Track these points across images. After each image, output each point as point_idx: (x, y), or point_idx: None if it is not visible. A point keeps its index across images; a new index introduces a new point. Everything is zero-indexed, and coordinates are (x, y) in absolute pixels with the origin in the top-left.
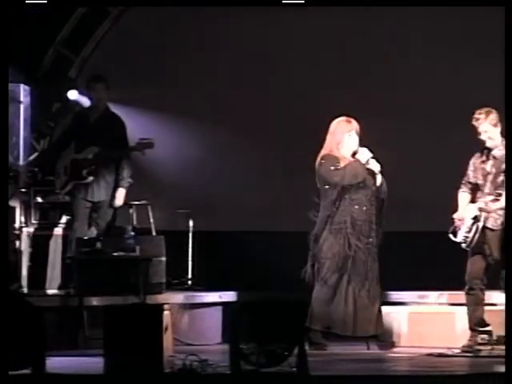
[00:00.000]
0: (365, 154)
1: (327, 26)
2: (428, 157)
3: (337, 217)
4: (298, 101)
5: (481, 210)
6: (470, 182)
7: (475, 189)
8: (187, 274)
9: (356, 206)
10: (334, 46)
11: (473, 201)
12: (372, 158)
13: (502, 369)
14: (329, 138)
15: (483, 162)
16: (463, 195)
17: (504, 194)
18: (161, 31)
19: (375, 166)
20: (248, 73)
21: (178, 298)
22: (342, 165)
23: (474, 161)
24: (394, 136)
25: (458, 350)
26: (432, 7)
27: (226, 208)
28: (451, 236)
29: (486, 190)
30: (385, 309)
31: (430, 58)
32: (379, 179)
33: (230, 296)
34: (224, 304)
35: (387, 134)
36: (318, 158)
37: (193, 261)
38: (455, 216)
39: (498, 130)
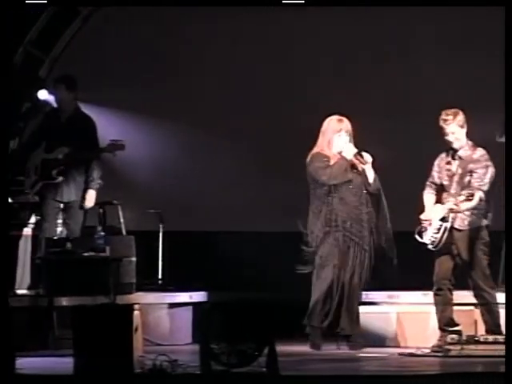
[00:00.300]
0: (349, 151)
1: (313, 26)
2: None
3: (327, 215)
4: (272, 100)
5: (451, 210)
6: (434, 183)
7: (440, 189)
8: (157, 274)
9: (345, 205)
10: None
11: (438, 201)
12: (358, 152)
13: (472, 369)
14: (320, 136)
15: (448, 162)
16: (428, 196)
17: (476, 194)
18: (132, 31)
19: (363, 161)
20: (221, 72)
21: (148, 298)
22: (330, 163)
23: (439, 162)
24: (390, 135)
25: (428, 350)
26: (430, 7)
27: (197, 208)
28: (417, 237)
29: (452, 190)
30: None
31: (426, 58)
32: (371, 176)
33: (200, 296)
34: (194, 304)
35: (383, 134)
36: (309, 156)
37: (163, 261)
38: (422, 217)
39: (464, 130)
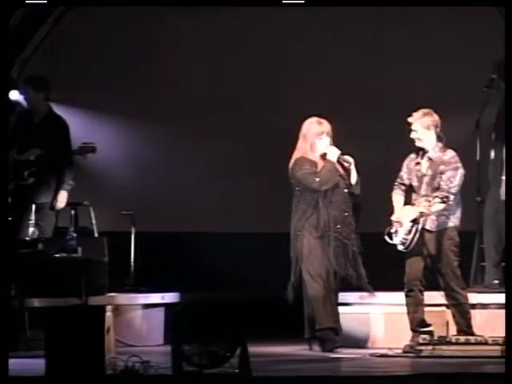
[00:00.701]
0: (334, 153)
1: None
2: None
3: (318, 220)
4: (248, 100)
5: (422, 213)
6: (403, 184)
7: (409, 190)
8: (130, 275)
9: (335, 209)
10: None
11: (407, 202)
12: (342, 154)
13: (444, 369)
14: (301, 139)
15: (418, 163)
16: (397, 197)
17: (451, 196)
18: (104, 31)
19: (347, 163)
20: (194, 72)
21: (120, 299)
22: (318, 169)
23: (408, 162)
24: (368, 137)
25: (400, 351)
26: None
27: (169, 209)
28: (387, 238)
29: (422, 191)
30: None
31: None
32: (354, 177)
33: (172, 297)
34: (166, 305)
35: (361, 135)
36: (292, 161)
37: (135, 262)
38: (393, 218)
39: (432, 132)
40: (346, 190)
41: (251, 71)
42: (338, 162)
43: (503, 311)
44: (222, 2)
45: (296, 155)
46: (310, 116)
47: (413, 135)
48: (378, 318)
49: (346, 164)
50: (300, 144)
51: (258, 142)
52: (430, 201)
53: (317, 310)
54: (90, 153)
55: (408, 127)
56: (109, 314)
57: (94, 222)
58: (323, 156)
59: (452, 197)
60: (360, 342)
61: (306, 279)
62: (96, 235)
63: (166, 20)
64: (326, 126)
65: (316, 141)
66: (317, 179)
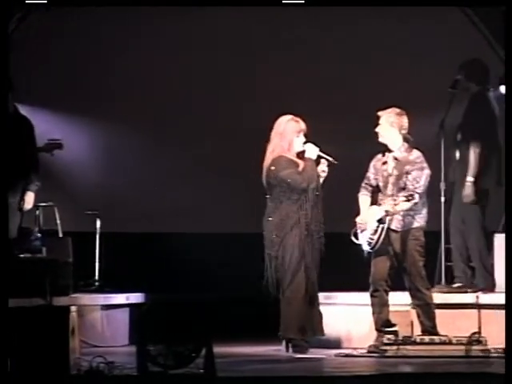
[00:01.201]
0: (313, 151)
1: (251, 24)
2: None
3: (303, 219)
4: (219, 100)
5: (387, 212)
6: (370, 185)
7: (376, 191)
8: (94, 275)
9: (314, 207)
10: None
11: (373, 203)
12: (320, 151)
13: (407, 369)
14: (277, 138)
15: (384, 163)
16: (364, 198)
17: (417, 196)
18: (69, 31)
19: (326, 160)
20: (158, 72)
21: (85, 299)
22: (299, 168)
23: (375, 163)
24: (336, 136)
25: (365, 351)
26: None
27: (134, 209)
28: (353, 238)
29: (388, 191)
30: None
31: (368, 60)
32: (325, 175)
33: (137, 297)
34: (131, 305)
35: (330, 134)
36: (270, 161)
37: (100, 262)
38: (358, 219)
39: (396, 130)
40: (321, 189)
41: (219, 71)
42: (317, 159)
43: (467, 311)
44: (222, 2)
45: (273, 155)
46: (284, 114)
47: (377, 128)
48: (342, 318)
49: (327, 160)
50: (276, 142)
51: (226, 141)
52: (395, 199)
53: (289, 313)
54: (57, 149)
55: (376, 121)
56: (73, 314)
57: (58, 222)
58: (301, 154)
59: (417, 196)
60: (325, 342)
61: (284, 280)
62: (60, 235)
63: (127, 19)
64: (302, 123)
65: (294, 139)
66: (304, 178)
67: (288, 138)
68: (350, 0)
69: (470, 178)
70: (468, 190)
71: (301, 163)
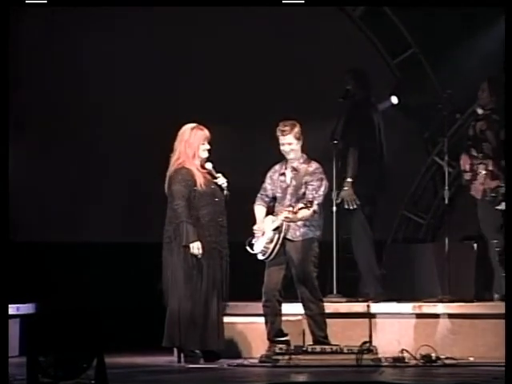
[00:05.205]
0: (209, 164)
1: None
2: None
3: (201, 230)
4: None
5: (286, 218)
6: (267, 195)
7: (272, 202)
8: None
9: (209, 221)
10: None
11: (270, 213)
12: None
13: (299, 378)
14: (183, 146)
15: (282, 174)
16: (259, 208)
17: (315, 203)
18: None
19: (222, 179)
20: (90, 73)
21: None
22: (196, 179)
23: (272, 174)
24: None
25: (257, 361)
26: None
27: (22, 218)
28: (248, 248)
29: (286, 202)
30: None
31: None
32: (224, 183)
33: (27, 308)
34: (22, 316)
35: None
36: (173, 170)
37: None
38: (255, 227)
39: (301, 143)
40: (223, 201)
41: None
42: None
43: (359, 320)
44: (223, 2)
45: (177, 164)
46: (188, 122)
47: (286, 148)
48: (235, 328)
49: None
50: (182, 150)
51: (112, 148)
52: (293, 206)
53: (174, 323)
54: None
55: (277, 140)
56: None
57: None
58: (203, 163)
59: (316, 206)
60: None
61: (175, 292)
62: None
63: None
64: (206, 131)
65: (200, 147)
66: (196, 193)
67: (194, 145)
68: (350, 0)
69: (348, 179)
70: (347, 190)
71: (198, 175)
